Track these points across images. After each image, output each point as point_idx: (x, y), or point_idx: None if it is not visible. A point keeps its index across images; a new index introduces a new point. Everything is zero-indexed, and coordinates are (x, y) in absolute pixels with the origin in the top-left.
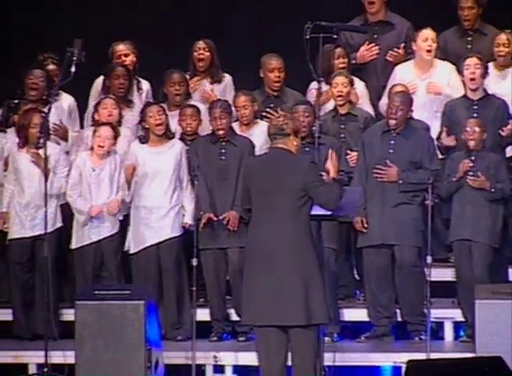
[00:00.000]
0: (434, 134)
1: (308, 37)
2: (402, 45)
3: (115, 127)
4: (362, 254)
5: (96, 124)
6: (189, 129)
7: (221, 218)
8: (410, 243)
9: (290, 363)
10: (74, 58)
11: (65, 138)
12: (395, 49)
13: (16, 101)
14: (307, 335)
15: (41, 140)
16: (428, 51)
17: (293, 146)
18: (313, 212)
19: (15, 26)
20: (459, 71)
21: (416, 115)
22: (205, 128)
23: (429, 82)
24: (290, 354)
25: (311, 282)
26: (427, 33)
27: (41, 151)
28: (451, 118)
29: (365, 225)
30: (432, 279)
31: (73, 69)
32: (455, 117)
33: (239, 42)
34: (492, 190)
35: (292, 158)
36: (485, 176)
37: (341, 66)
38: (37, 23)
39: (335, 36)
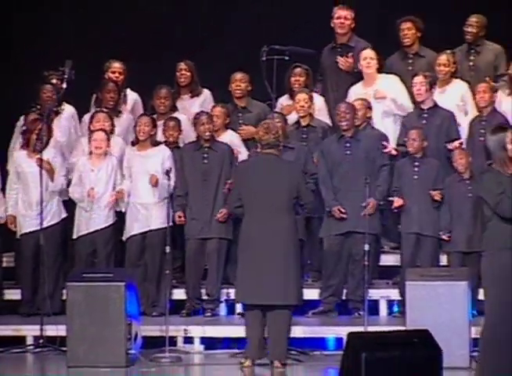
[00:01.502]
0: (393, 136)
1: (264, 58)
2: (351, 54)
3: (107, 132)
4: (318, 242)
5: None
6: (171, 139)
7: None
8: (367, 231)
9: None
10: (66, 76)
11: (52, 178)
12: (345, 58)
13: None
14: (284, 313)
15: (38, 144)
16: (367, 67)
17: (279, 151)
18: None
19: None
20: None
21: (378, 123)
22: (186, 137)
23: (375, 90)
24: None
25: (290, 270)
26: (365, 52)
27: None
28: (406, 126)
29: (343, 211)
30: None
31: (64, 85)
32: (409, 124)
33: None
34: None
35: (285, 163)
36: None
37: (296, 84)
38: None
39: (287, 58)
